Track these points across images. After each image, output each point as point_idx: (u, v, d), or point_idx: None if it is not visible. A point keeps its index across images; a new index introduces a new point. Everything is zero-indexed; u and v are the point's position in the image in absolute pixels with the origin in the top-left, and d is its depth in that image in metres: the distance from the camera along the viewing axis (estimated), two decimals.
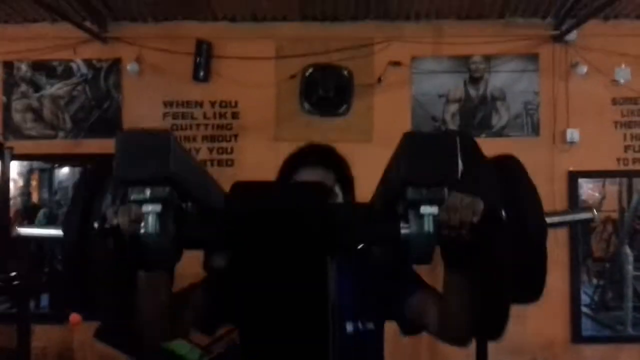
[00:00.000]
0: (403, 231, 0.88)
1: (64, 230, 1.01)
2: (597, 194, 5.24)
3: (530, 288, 1.03)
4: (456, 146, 0.83)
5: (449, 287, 1.16)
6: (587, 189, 4.61)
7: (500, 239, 0.92)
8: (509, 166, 1.07)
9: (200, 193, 0.99)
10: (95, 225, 0.87)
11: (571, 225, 1.17)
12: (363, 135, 4.12)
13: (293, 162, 1.54)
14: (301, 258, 0.93)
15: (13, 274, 3.57)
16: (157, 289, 1.14)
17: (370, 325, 1.47)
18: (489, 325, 1.05)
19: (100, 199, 0.99)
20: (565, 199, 4.26)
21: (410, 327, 1.44)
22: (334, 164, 1.55)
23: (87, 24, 4.21)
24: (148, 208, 0.83)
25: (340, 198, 1.50)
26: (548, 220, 1.01)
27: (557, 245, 4.22)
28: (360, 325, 1.45)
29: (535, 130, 4.30)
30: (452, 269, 1.09)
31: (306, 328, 0.99)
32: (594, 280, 5.72)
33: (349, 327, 1.44)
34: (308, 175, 1.48)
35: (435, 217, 0.85)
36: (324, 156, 1.57)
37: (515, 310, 3.60)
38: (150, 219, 0.84)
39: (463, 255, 0.96)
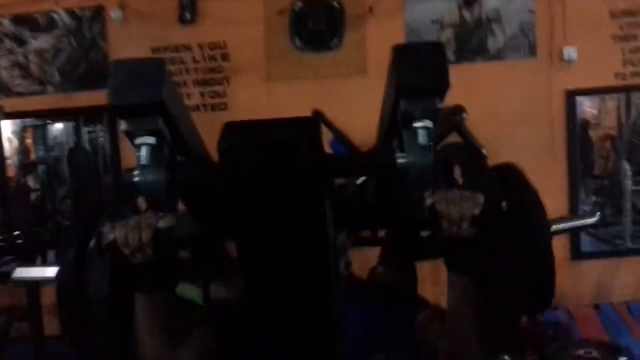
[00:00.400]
0: (399, 160, 0.87)
1: (58, 270, 1.06)
2: (595, 112, 5.20)
3: (539, 296, 1.03)
4: (444, 54, 0.84)
5: (454, 295, 1.10)
6: (586, 107, 4.56)
7: (502, 234, 0.93)
8: (510, 172, 1.07)
9: (190, 136, 0.99)
10: (92, 243, 0.90)
11: (574, 230, 1.23)
12: (357, 68, 4.04)
13: None
14: (297, 191, 0.92)
15: (16, 232, 3.59)
16: (157, 310, 1.10)
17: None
18: (497, 337, 1.05)
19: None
20: (563, 119, 4.24)
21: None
22: None
23: None
24: (141, 139, 0.84)
25: None
26: (553, 228, 1.05)
27: (555, 164, 4.25)
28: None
29: (532, 51, 4.21)
30: (455, 272, 1.05)
31: (307, 264, 0.99)
32: (593, 198, 5.78)
33: None
34: None
35: (429, 131, 0.85)
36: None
37: None
38: (144, 151, 0.85)
39: (465, 254, 0.95)
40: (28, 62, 4.31)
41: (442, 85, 0.83)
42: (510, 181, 1.03)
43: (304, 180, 0.91)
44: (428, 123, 0.84)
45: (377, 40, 4.10)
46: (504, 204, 0.91)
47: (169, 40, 4.18)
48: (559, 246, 4.25)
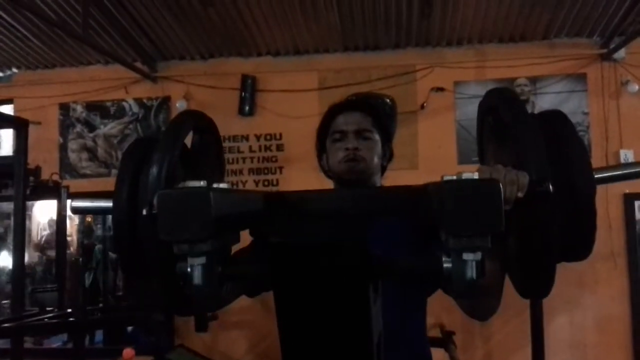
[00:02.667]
0: (446, 266, 0.84)
1: (113, 204, 1.02)
2: None
3: (579, 246, 0.97)
4: (500, 194, 0.77)
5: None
6: None
7: (547, 211, 0.87)
8: (555, 123, 0.99)
9: (243, 220, 0.98)
10: (144, 212, 0.86)
11: (621, 178, 1.11)
12: (409, 163, 4.10)
13: (330, 112, 1.53)
14: (343, 292, 0.92)
15: (69, 310, 3.67)
16: None
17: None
18: (535, 284, 0.98)
19: (147, 170, 0.98)
20: (621, 223, 4.11)
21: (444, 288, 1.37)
22: (371, 108, 1.52)
23: (138, 64, 4.40)
24: (194, 261, 0.83)
25: (379, 145, 1.50)
26: (597, 176, 0.96)
27: (615, 270, 4.07)
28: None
29: (587, 152, 4.15)
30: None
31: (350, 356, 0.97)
32: None
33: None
34: (345, 118, 1.48)
35: (478, 262, 0.80)
36: (361, 101, 1.56)
37: (574, 339, 3.49)
38: (196, 272, 0.84)
39: (507, 225, 0.87)
40: (96, 146, 4.58)
41: (496, 229, 0.77)
42: (554, 133, 0.95)
43: (350, 281, 0.91)
44: (478, 256, 0.80)
45: (428, 136, 4.20)
46: (550, 186, 0.85)
47: (228, 130, 4.36)
48: (622, 356, 4.07)
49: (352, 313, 0.93)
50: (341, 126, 1.48)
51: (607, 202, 4.03)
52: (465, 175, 0.77)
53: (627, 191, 4.09)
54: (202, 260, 0.83)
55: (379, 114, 1.55)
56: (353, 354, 0.97)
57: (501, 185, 0.77)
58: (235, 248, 1.02)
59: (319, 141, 1.58)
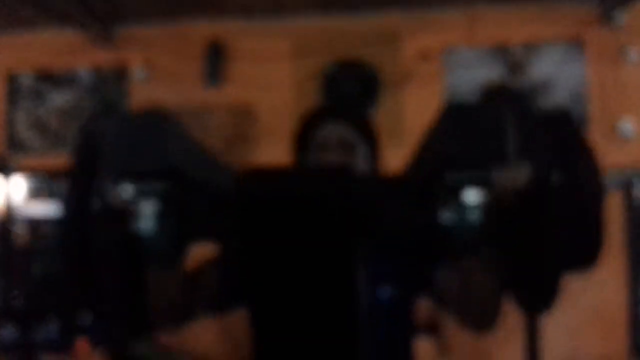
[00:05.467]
0: (443, 219, 0.79)
1: (64, 212, 0.92)
2: None
3: (586, 255, 0.94)
4: (507, 119, 0.72)
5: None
6: None
7: (550, 206, 0.85)
8: (561, 121, 0.95)
9: (205, 179, 0.91)
10: (96, 207, 0.82)
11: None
12: (393, 137, 3.82)
13: (311, 119, 1.50)
14: (324, 251, 0.88)
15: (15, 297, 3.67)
16: (167, 276, 1.09)
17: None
18: (539, 296, 0.97)
19: (99, 175, 0.90)
20: (619, 208, 3.95)
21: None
22: (355, 117, 1.52)
23: (90, 27, 4.03)
24: (146, 206, 0.77)
25: (363, 154, 1.47)
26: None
27: (612, 257, 3.90)
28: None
29: (584, 123, 3.97)
30: None
31: (332, 325, 0.95)
32: None
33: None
34: (329, 131, 1.44)
35: (481, 206, 0.76)
36: (344, 109, 1.58)
37: (569, 325, 3.35)
38: (148, 219, 0.77)
39: (505, 226, 0.87)
40: (48, 120, 4.27)
41: (501, 160, 0.72)
42: (559, 133, 0.91)
43: (332, 238, 0.87)
44: (481, 197, 0.76)
45: (415, 108, 3.96)
46: (554, 179, 0.84)
47: (193, 102, 4.08)
48: (618, 343, 4.00)
49: (335, 276, 0.91)
50: (320, 138, 1.45)
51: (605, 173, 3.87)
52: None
53: (626, 162, 3.90)
54: (156, 205, 0.76)
55: (363, 121, 1.54)
56: (335, 330, 0.95)
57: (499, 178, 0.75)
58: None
59: (296, 152, 1.53)
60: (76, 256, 0.91)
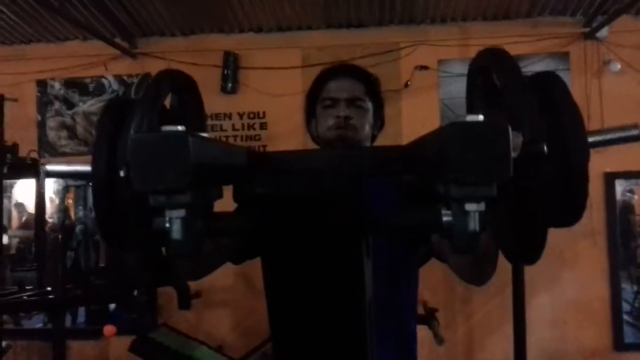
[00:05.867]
0: (445, 219, 0.78)
1: (92, 167, 0.94)
2: (635, 196, 5.07)
3: (570, 212, 0.94)
4: (508, 137, 0.71)
5: None
6: (625, 190, 4.45)
7: (540, 172, 0.84)
8: (549, 83, 0.95)
9: (224, 173, 0.92)
10: (122, 173, 0.79)
11: (614, 142, 1.04)
12: (391, 141, 4.05)
13: (322, 77, 1.50)
14: (334, 246, 0.88)
15: (48, 288, 3.63)
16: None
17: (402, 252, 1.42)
18: (525, 249, 0.95)
19: (126, 132, 0.91)
20: (602, 201, 4.16)
21: (437, 255, 1.40)
22: (363, 76, 1.51)
23: (117, 40, 4.30)
24: (172, 214, 0.77)
25: (370, 112, 1.49)
26: (590, 139, 0.92)
27: (595, 248, 4.13)
28: (392, 253, 1.40)
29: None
30: None
31: (341, 321, 0.96)
32: (634, 287, 5.53)
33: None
34: (337, 85, 1.45)
35: (481, 213, 0.75)
36: (352, 68, 1.53)
37: (553, 316, 3.53)
38: (175, 225, 0.77)
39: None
40: (75, 124, 4.51)
41: (503, 177, 0.72)
42: (548, 94, 0.92)
43: (342, 236, 0.87)
44: (482, 207, 0.75)
45: (412, 115, 4.18)
46: (544, 148, 0.81)
47: (211, 108, 4.31)
48: (601, 336, 4.15)
49: (344, 269, 0.89)
50: (333, 93, 1.46)
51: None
52: (470, 118, 0.70)
53: (608, 170, 4.13)
54: (181, 213, 0.76)
55: (371, 80, 1.52)
56: (344, 315, 0.95)
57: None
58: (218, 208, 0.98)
59: (308, 106, 1.55)
60: (106, 210, 0.93)
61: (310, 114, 1.55)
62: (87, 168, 0.96)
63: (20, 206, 5.37)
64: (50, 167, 1.10)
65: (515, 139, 0.79)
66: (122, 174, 0.79)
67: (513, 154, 0.78)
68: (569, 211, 0.94)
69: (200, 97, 1.20)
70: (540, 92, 0.91)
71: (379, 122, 1.55)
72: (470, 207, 0.74)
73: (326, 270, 0.94)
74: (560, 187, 0.88)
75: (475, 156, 0.70)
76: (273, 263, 1.35)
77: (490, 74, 0.97)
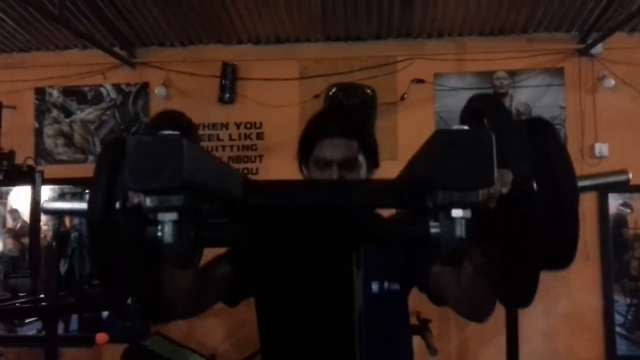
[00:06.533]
0: (433, 230, 0.80)
1: (89, 206, 0.96)
2: (628, 210, 5.11)
3: (561, 254, 0.95)
4: (492, 145, 0.74)
5: (468, 265, 1.10)
6: (618, 204, 4.49)
7: (530, 210, 0.85)
8: (540, 128, 0.96)
9: (218, 190, 0.93)
10: (117, 205, 0.83)
11: (603, 187, 1.03)
12: (388, 153, 4.07)
13: (313, 134, 1.50)
14: (324, 255, 0.89)
15: (41, 296, 3.62)
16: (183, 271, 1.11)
17: (396, 286, 1.46)
18: (516, 293, 0.96)
19: (123, 172, 0.93)
20: (595, 214, 4.20)
21: (435, 297, 1.42)
22: (356, 131, 1.49)
23: (116, 49, 4.33)
24: (164, 217, 0.79)
25: (364, 167, 1.48)
26: (580, 184, 0.94)
27: (588, 261, 4.15)
28: (385, 285, 1.44)
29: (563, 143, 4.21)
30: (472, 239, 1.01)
31: (330, 331, 0.96)
32: (627, 299, 5.55)
33: (375, 286, 1.43)
34: (330, 146, 1.44)
35: (467, 221, 0.77)
36: (345, 124, 1.52)
37: (546, 328, 3.55)
38: (167, 228, 0.80)
39: (486, 228, 0.87)
40: (72, 132, 4.52)
41: (485, 183, 0.75)
42: (538, 139, 0.93)
43: (332, 245, 0.88)
44: (468, 214, 0.77)
45: (408, 127, 4.22)
46: (534, 184, 0.83)
47: (208, 118, 4.34)
48: (594, 348, 4.16)
49: (334, 278, 0.91)
50: (326, 153, 1.45)
51: (582, 195, 4.10)
52: (456, 127, 0.74)
53: None
54: (173, 216, 0.79)
55: (363, 134, 1.50)
56: (334, 324, 0.96)
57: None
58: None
59: (300, 152, 1.55)
60: (101, 249, 0.94)
61: (303, 159, 1.55)
62: (83, 206, 0.99)
63: (15, 212, 5.36)
64: (47, 205, 1.11)
65: (505, 175, 0.83)
66: (117, 206, 0.84)
67: (503, 190, 0.83)
68: (561, 253, 0.94)
69: (198, 138, 1.20)
70: (531, 137, 0.93)
71: (373, 167, 1.54)
72: (456, 213, 0.76)
73: (316, 281, 0.94)
74: (551, 229, 0.89)
75: (460, 161, 0.73)
76: (263, 269, 1.36)
77: (482, 119, 0.99)
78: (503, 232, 0.88)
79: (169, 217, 0.79)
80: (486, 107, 0.99)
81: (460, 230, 0.77)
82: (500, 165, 0.84)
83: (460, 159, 0.73)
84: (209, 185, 0.87)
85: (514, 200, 0.83)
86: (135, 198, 0.86)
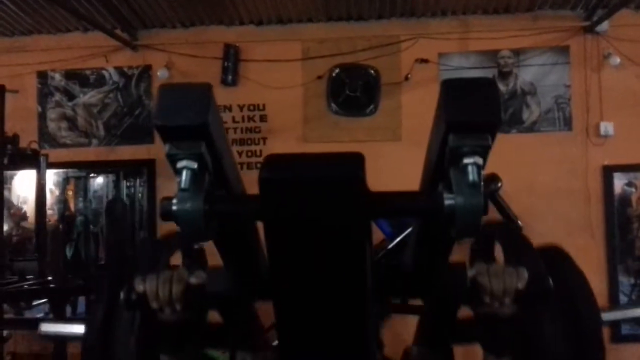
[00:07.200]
0: (447, 202, 0.81)
1: (85, 328, 1.02)
2: (633, 189, 5.09)
3: None
4: (496, 89, 0.79)
5: None
6: (623, 183, 4.47)
7: (548, 315, 0.86)
8: (556, 254, 0.99)
9: (230, 168, 0.97)
10: (122, 295, 0.86)
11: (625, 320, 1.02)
12: (391, 134, 4.09)
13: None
14: (338, 227, 0.89)
15: (49, 278, 3.65)
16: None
17: None
18: None
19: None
20: (600, 194, 4.17)
21: None
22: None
23: (118, 32, 4.30)
24: (183, 163, 0.82)
25: None
26: (604, 317, 0.99)
27: (592, 241, 4.14)
28: None
29: (568, 124, 4.20)
30: (494, 354, 0.97)
31: (344, 304, 0.98)
32: (632, 279, 5.54)
33: None
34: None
35: (479, 168, 0.78)
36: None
37: None
38: (185, 175, 0.83)
39: (505, 335, 0.86)
40: (75, 115, 4.51)
41: (494, 120, 0.78)
42: (556, 264, 0.94)
43: (346, 217, 0.87)
44: (478, 159, 0.78)
45: (411, 108, 4.17)
46: (550, 281, 0.84)
47: None
48: None
49: (347, 249, 0.90)
50: None
51: (587, 173, 4.09)
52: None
53: (607, 163, 4.14)
54: (193, 164, 0.82)
55: None
56: (347, 297, 0.97)
57: (500, 277, 0.78)
58: None
59: None
60: None
61: None
62: (80, 329, 1.05)
63: (19, 198, 5.38)
64: (44, 328, 1.12)
65: (521, 272, 0.84)
66: (122, 296, 0.87)
67: (519, 285, 0.83)
68: None
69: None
70: (548, 264, 0.93)
71: None
72: (468, 160, 0.78)
73: (328, 253, 0.91)
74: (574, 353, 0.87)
75: (468, 101, 0.78)
76: (275, 241, 1.33)
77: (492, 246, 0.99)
78: (523, 344, 0.88)
79: (188, 163, 0.82)
80: (497, 234, 0.99)
81: (473, 175, 0.78)
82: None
83: (467, 99, 0.78)
84: (224, 145, 0.91)
85: (531, 300, 0.83)
86: (140, 286, 0.88)
